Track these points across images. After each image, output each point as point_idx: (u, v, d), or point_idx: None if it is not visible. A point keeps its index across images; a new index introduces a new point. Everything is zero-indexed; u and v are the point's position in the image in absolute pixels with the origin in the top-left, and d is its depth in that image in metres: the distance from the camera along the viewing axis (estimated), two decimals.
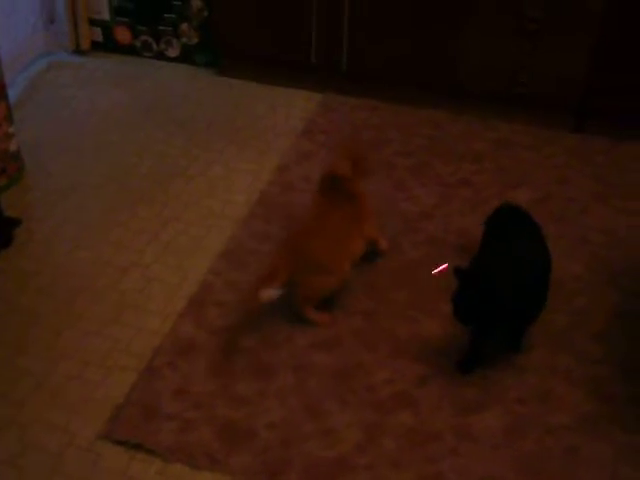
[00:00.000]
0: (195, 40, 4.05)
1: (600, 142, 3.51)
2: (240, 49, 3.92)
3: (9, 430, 2.35)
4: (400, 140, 3.53)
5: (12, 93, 3.52)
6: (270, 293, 2.52)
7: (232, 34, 3.88)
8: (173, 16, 4.02)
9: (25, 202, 3.21)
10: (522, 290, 2.39)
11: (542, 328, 2.60)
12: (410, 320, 2.67)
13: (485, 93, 3.64)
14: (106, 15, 4.13)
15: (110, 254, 2.96)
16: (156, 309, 2.74)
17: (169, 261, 2.93)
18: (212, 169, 3.39)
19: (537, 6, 3.37)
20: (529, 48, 3.47)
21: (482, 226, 2.70)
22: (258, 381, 2.47)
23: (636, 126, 3.51)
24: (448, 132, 3.59)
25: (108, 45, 4.21)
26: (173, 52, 4.12)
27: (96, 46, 4.21)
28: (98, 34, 4.19)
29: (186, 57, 4.11)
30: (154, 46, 4.14)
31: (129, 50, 4.19)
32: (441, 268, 2.77)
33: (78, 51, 4.17)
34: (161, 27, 4.07)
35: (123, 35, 4.16)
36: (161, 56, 4.15)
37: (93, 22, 4.15)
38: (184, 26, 4.03)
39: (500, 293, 2.33)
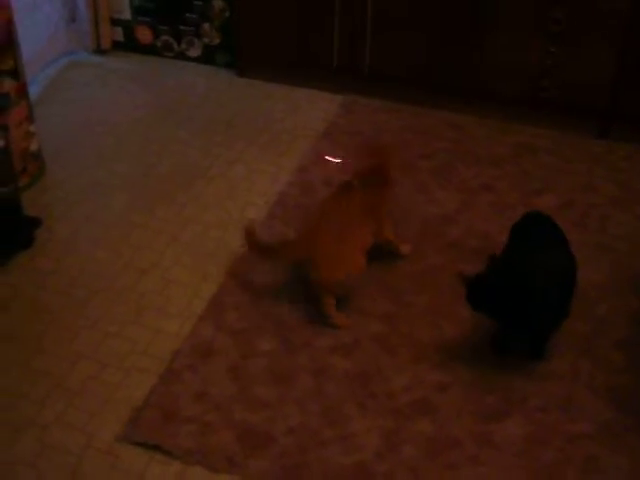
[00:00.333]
0: (217, 40, 4.05)
1: (624, 148, 3.47)
2: (261, 50, 3.91)
3: (28, 431, 2.34)
4: (421, 143, 3.51)
5: (33, 92, 3.51)
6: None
7: (254, 35, 3.87)
8: (194, 16, 4.02)
9: (45, 201, 3.21)
10: (545, 292, 2.36)
11: (564, 336, 2.57)
12: (431, 325, 2.65)
13: (508, 96, 3.62)
14: (127, 15, 4.13)
15: (130, 255, 2.95)
16: (175, 311, 2.73)
17: (188, 263, 2.92)
18: (232, 170, 3.38)
19: (561, 7, 3.34)
20: (553, 51, 3.44)
21: (507, 232, 2.68)
22: (277, 385, 2.46)
23: None
24: (470, 135, 3.56)
25: (129, 45, 4.21)
26: (194, 52, 4.12)
27: (117, 46, 4.22)
28: (119, 34, 4.19)
29: (207, 57, 4.11)
30: (175, 46, 4.14)
31: (150, 50, 4.19)
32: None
33: (99, 50, 4.18)
34: (182, 27, 4.07)
35: (144, 35, 4.16)
36: (182, 56, 4.15)
37: (114, 22, 4.16)
38: (206, 26, 4.02)
39: (524, 286, 2.33)
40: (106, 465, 2.26)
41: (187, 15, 4.03)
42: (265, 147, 3.50)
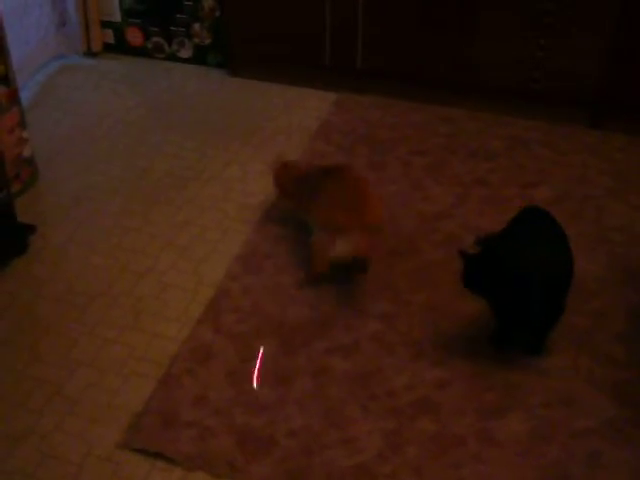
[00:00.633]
0: (208, 40, 4.03)
1: (618, 138, 3.47)
2: (253, 49, 3.89)
3: (28, 440, 2.33)
4: (416, 138, 3.49)
5: (24, 97, 3.50)
6: None
7: (245, 34, 3.86)
8: (185, 17, 4.00)
9: (39, 208, 3.19)
10: (544, 288, 2.35)
11: (563, 330, 2.55)
12: (429, 323, 2.64)
13: (500, 89, 3.61)
14: (117, 17, 4.11)
15: (125, 260, 2.94)
16: (173, 315, 2.72)
17: (185, 266, 2.91)
18: (227, 171, 3.36)
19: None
20: (543, 42, 3.43)
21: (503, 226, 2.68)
22: (277, 387, 2.45)
23: None
24: (464, 130, 3.55)
25: (120, 47, 4.19)
26: (185, 53, 4.10)
27: (108, 48, 4.20)
28: (110, 36, 4.17)
29: (199, 58, 4.09)
30: (166, 47, 4.12)
31: (141, 52, 4.17)
32: None
33: (90, 53, 4.16)
34: (173, 28, 4.05)
35: (135, 37, 4.14)
36: (173, 57, 4.13)
37: (104, 24, 4.14)
38: (196, 26, 4.01)
39: (508, 271, 2.32)
40: (107, 473, 2.24)
41: (177, 16, 4.01)
42: (259, 147, 3.49)
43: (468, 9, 3.47)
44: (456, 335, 2.60)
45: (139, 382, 2.49)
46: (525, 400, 2.40)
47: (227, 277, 2.84)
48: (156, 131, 3.63)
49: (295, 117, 3.69)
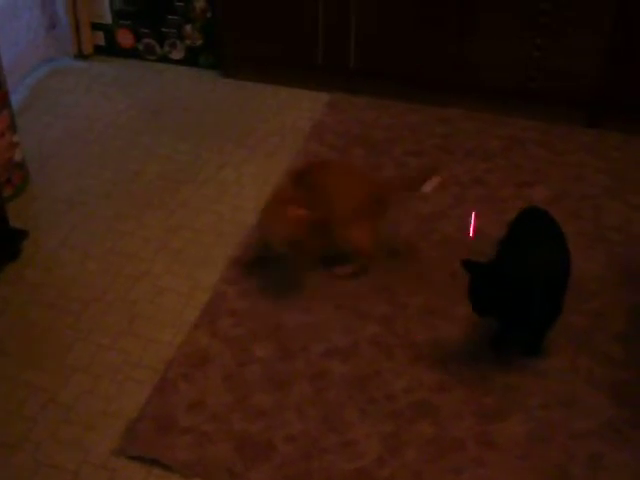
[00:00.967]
0: (199, 42, 4.00)
1: (615, 137, 3.46)
2: (245, 50, 3.86)
3: (22, 448, 2.29)
4: (411, 139, 3.47)
5: (14, 100, 3.46)
6: None
7: (236, 35, 3.83)
8: (176, 18, 3.97)
9: (31, 212, 3.16)
10: (535, 284, 2.33)
11: (561, 331, 2.54)
12: (427, 325, 2.62)
13: (497, 89, 3.59)
14: (108, 19, 4.08)
15: (119, 264, 2.91)
16: (168, 320, 2.69)
17: (180, 270, 2.88)
18: (221, 174, 3.33)
19: None
20: (540, 41, 3.41)
21: (500, 225, 2.66)
22: (275, 392, 2.42)
23: None
24: (460, 130, 3.53)
25: (111, 49, 4.16)
26: (177, 54, 4.07)
27: (99, 50, 4.17)
28: (100, 38, 4.14)
29: (191, 59, 4.06)
30: (157, 49, 4.09)
31: (132, 53, 4.14)
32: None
33: (81, 56, 4.13)
34: (164, 29, 4.02)
35: (126, 38, 4.10)
36: (165, 59, 4.10)
37: (95, 26, 4.11)
38: (188, 28, 3.98)
39: (511, 285, 2.29)
40: None
41: (168, 17, 3.98)
42: (253, 149, 3.46)
43: (464, 9, 3.44)
44: (455, 338, 2.57)
45: (134, 388, 2.46)
46: (524, 402, 2.38)
47: (222, 281, 2.81)
48: (148, 134, 3.60)
49: (288, 118, 3.67)
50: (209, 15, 3.91)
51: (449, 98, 3.65)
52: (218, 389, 2.43)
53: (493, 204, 3.09)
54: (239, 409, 2.37)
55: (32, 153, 3.38)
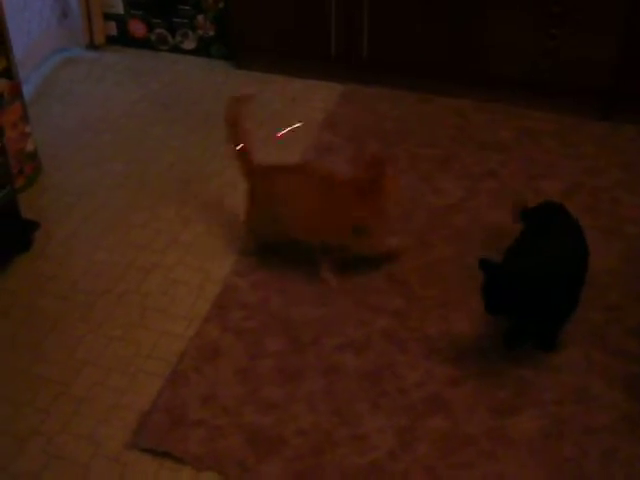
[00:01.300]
0: (211, 32, 3.98)
1: (628, 129, 3.43)
2: (257, 40, 3.85)
3: (33, 441, 2.29)
4: (424, 131, 3.45)
5: (26, 91, 3.46)
6: None
7: (249, 25, 3.81)
8: (188, 8, 3.95)
9: (43, 203, 3.15)
10: (552, 285, 2.31)
11: (576, 325, 2.52)
12: (441, 319, 2.60)
13: (510, 80, 3.56)
14: (120, 9, 4.07)
15: (131, 256, 2.90)
16: (180, 312, 2.68)
17: (191, 262, 2.87)
18: (232, 165, 3.30)
19: None
20: (554, 32, 3.38)
21: (519, 220, 2.64)
22: (286, 385, 2.41)
23: None
24: (472, 121, 3.51)
25: (123, 39, 4.15)
26: (189, 45, 4.05)
27: (111, 40, 4.16)
28: (112, 28, 4.13)
29: (202, 50, 4.05)
30: (169, 39, 4.07)
31: (144, 44, 4.12)
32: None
33: (92, 46, 4.12)
34: (176, 19, 4.00)
35: (138, 28, 4.09)
36: (177, 49, 4.09)
37: (107, 16, 4.10)
38: (200, 18, 3.96)
39: (523, 285, 2.26)
40: (115, 474, 2.20)
41: (180, 7, 3.97)
42: (265, 140, 3.44)
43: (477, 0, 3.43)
44: (468, 331, 2.56)
45: (146, 380, 2.46)
46: (538, 397, 2.36)
47: (234, 273, 2.80)
48: (160, 124, 3.59)
49: (301, 110, 3.65)
50: (221, 5, 3.89)
51: (462, 89, 3.62)
52: (230, 382, 2.43)
53: (506, 197, 3.07)
54: (251, 402, 2.36)
55: (44, 144, 3.37)
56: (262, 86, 3.81)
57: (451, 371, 2.44)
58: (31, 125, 3.20)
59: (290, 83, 3.82)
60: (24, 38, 3.76)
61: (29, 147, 3.18)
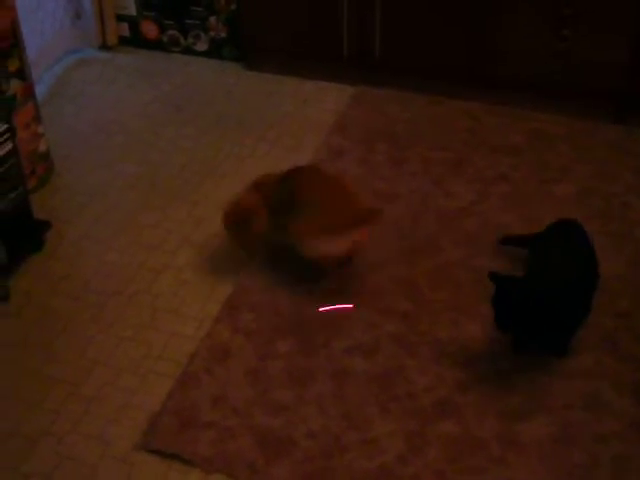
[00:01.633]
0: (223, 34, 3.99)
1: None
2: (269, 42, 3.85)
3: (43, 441, 2.30)
4: (435, 134, 3.44)
5: (39, 91, 3.46)
6: None
7: (261, 27, 3.82)
8: (200, 10, 3.96)
9: (55, 204, 3.16)
10: (563, 300, 2.33)
11: (587, 331, 2.51)
12: (450, 322, 2.60)
13: (522, 83, 3.55)
14: (132, 10, 4.07)
15: (142, 256, 2.90)
16: (190, 313, 2.68)
17: (202, 263, 2.87)
18: (243, 167, 3.32)
19: None
20: (566, 34, 3.37)
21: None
22: (296, 387, 2.41)
23: None
24: (484, 124, 3.50)
25: (135, 40, 4.15)
26: (201, 46, 4.06)
27: (123, 41, 4.16)
28: (125, 29, 4.13)
29: (214, 51, 4.05)
30: (182, 40, 4.08)
31: (156, 45, 4.13)
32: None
33: (105, 47, 4.13)
34: (188, 21, 4.01)
35: (150, 30, 4.10)
36: (189, 51, 4.09)
37: (119, 17, 4.10)
38: (212, 20, 3.96)
39: (535, 302, 2.28)
40: (123, 475, 2.21)
41: (193, 9, 3.97)
42: (276, 142, 3.44)
43: (489, 1, 3.41)
44: (478, 335, 2.55)
45: (156, 381, 2.46)
46: (548, 402, 2.36)
47: (244, 274, 2.80)
48: (172, 126, 3.59)
49: (312, 111, 3.65)
50: (233, 7, 3.89)
51: (474, 92, 3.61)
52: (240, 383, 2.43)
53: (518, 200, 3.06)
54: (261, 404, 2.37)
55: (56, 144, 3.38)
56: (273, 88, 3.81)
57: (461, 375, 2.43)
58: (43, 126, 3.21)
59: (301, 85, 3.82)
60: (37, 39, 3.77)
61: (41, 148, 3.19)
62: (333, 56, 3.77)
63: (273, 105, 3.70)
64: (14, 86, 2.98)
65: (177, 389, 2.42)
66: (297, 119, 3.60)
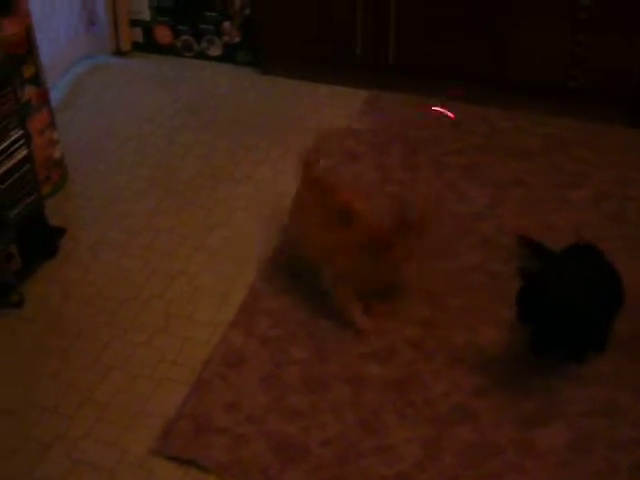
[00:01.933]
0: (237, 39, 3.99)
1: None
2: (283, 47, 3.85)
3: (57, 446, 2.30)
4: (450, 138, 3.43)
5: (54, 97, 3.48)
6: None
7: (275, 31, 3.81)
8: (214, 14, 3.96)
9: (69, 210, 3.17)
10: (586, 304, 2.31)
11: None
12: (467, 328, 2.58)
13: (537, 87, 3.53)
14: (146, 15, 4.08)
15: (156, 262, 2.90)
16: (205, 319, 2.68)
17: (217, 268, 2.86)
18: (258, 172, 3.32)
19: None
20: (581, 38, 3.35)
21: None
22: (311, 394, 2.40)
23: None
24: (499, 128, 3.49)
25: (149, 45, 4.16)
26: (215, 51, 4.06)
27: (137, 47, 4.17)
28: (138, 35, 4.14)
29: (228, 56, 4.05)
30: (195, 46, 4.08)
31: (170, 50, 4.14)
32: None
33: (119, 52, 4.13)
34: (202, 26, 4.01)
35: (164, 35, 4.11)
36: (202, 55, 4.10)
37: (133, 22, 4.11)
38: (226, 24, 3.96)
39: (561, 298, 2.27)
40: None
41: (207, 14, 3.97)
42: (291, 147, 3.44)
43: (504, 4, 3.40)
44: (495, 341, 2.53)
45: (171, 387, 2.46)
46: (566, 409, 2.33)
47: (259, 280, 2.79)
48: (186, 131, 3.59)
49: (326, 116, 3.64)
50: (247, 12, 3.89)
51: (488, 96, 3.60)
52: (254, 390, 2.42)
53: (532, 205, 3.04)
54: (275, 410, 2.36)
55: (71, 150, 3.39)
56: (287, 92, 3.81)
57: (478, 381, 2.41)
58: (58, 132, 3.22)
59: (315, 89, 3.81)
60: (52, 45, 3.78)
61: (56, 154, 3.19)
62: (347, 60, 3.77)
63: (287, 110, 3.70)
64: (29, 92, 2.98)
65: (192, 395, 2.41)
66: (311, 123, 3.59)
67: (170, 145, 3.50)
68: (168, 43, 4.13)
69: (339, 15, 3.65)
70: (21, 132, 2.74)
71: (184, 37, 4.08)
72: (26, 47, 2.92)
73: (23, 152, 2.76)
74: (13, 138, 2.70)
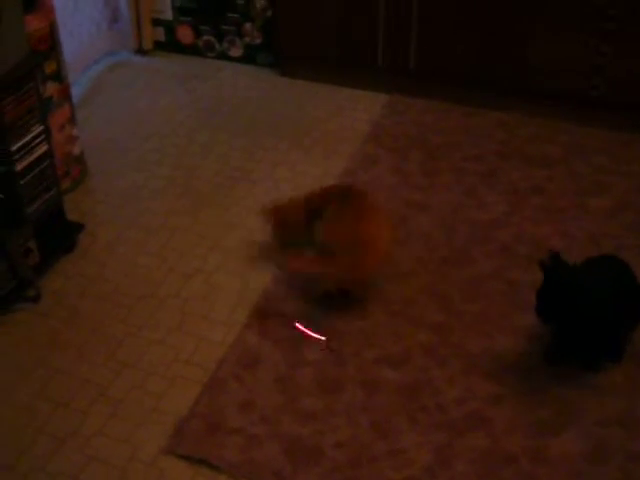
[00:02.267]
0: (258, 40, 3.99)
1: None
2: (304, 49, 3.85)
3: (70, 441, 2.30)
4: (470, 144, 3.42)
5: (75, 93, 3.49)
6: None
7: (296, 34, 3.82)
8: (236, 15, 3.97)
9: (88, 206, 3.17)
10: (606, 305, 2.30)
11: None
12: (482, 334, 2.57)
13: (557, 94, 3.52)
14: (169, 15, 4.09)
15: (173, 260, 2.91)
16: (219, 318, 2.68)
17: (233, 268, 2.86)
18: (276, 173, 3.32)
19: (615, 4, 3.23)
20: (604, 47, 3.33)
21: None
22: (325, 396, 2.39)
23: None
24: (519, 135, 3.47)
25: (170, 45, 4.17)
26: (236, 52, 4.07)
27: (158, 46, 4.19)
28: (160, 34, 4.16)
29: (249, 57, 4.06)
30: (217, 46, 4.09)
31: (191, 50, 4.15)
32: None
33: (141, 51, 4.15)
34: (224, 27, 4.02)
35: (185, 35, 4.12)
36: (223, 56, 4.10)
37: (156, 22, 4.13)
38: (247, 26, 3.97)
39: (582, 294, 2.27)
40: (151, 479, 2.20)
41: (229, 15, 3.98)
42: (309, 149, 3.44)
43: (527, 11, 3.38)
44: (510, 348, 2.52)
45: (184, 385, 2.46)
46: (580, 418, 2.32)
47: (274, 280, 2.79)
48: (205, 130, 3.60)
49: (346, 119, 3.64)
50: (269, 14, 3.90)
51: (509, 103, 3.59)
52: (268, 390, 2.42)
53: (551, 213, 3.03)
54: (289, 412, 2.35)
55: (90, 146, 3.40)
56: (307, 94, 3.81)
57: (492, 388, 2.40)
58: (78, 128, 3.23)
59: (336, 92, 3.81)
60: (74, 42, 3.80)
61: (76, 150, 3.20)
62: (368, 64, 3.76)
63: (307, 112, 3.70)
64: (50, 88, 3.00)
65: (205, 394, 2.41)
66: (331, 127, 3.59)
67: (189, 144, 3.51)
68: (190, 43, 4.14)
69: (361, 18, 3.65)
70: (42, 127, 2.75)
71: (206, 37, 4.09)
72: (49, 43, 2.93)
73: (43, 147, 2.77)
74: (34, 133, 2.71)
